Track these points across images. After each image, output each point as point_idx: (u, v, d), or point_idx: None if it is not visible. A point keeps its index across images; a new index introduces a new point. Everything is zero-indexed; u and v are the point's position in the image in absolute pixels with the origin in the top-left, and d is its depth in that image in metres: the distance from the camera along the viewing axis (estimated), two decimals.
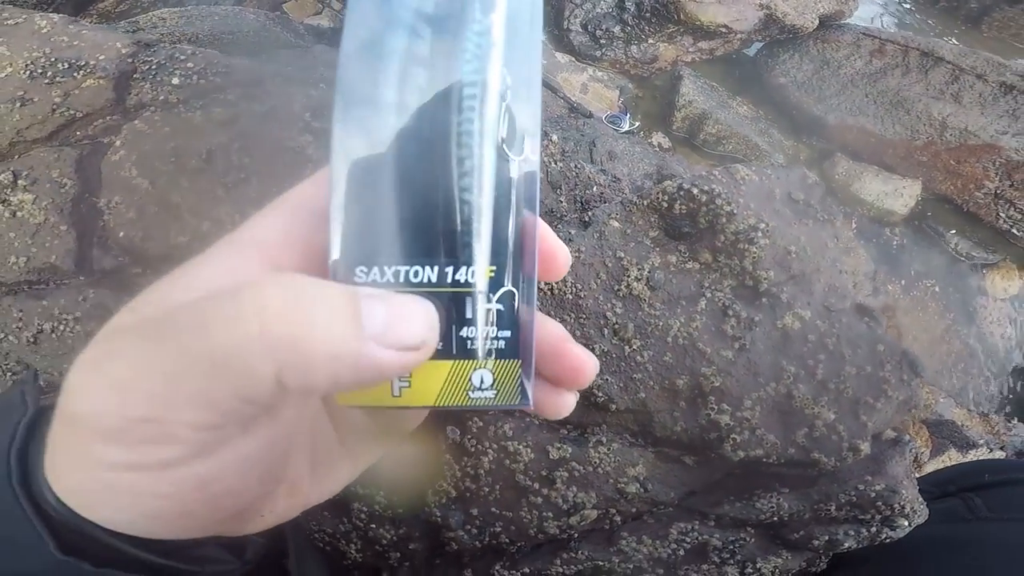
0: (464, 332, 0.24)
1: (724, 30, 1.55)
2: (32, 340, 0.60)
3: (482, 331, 0.24)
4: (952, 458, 1.05)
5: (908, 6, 1.96)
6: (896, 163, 1.41)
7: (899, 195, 1.38)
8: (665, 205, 0.49)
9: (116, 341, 0.22)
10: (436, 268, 0.23)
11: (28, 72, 0.63)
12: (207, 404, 0.20)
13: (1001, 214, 1.36)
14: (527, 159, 0.24)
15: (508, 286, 0.24)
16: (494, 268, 0.24)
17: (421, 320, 0.22)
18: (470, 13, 0.24)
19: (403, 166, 0.23)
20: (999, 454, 1.09)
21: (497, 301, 0.24)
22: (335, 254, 0.23)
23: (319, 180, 0.26)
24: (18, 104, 0.62)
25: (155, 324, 0.21)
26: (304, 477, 0.28)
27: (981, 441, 1.07)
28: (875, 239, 1.36)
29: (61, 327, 0.58)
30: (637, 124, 1.44)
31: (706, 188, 0.48)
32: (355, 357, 0.21)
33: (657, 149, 1.34)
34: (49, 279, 0.61)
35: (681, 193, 0.48)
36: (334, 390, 0.22)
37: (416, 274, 0.23)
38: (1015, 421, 1.18)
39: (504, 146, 0.24)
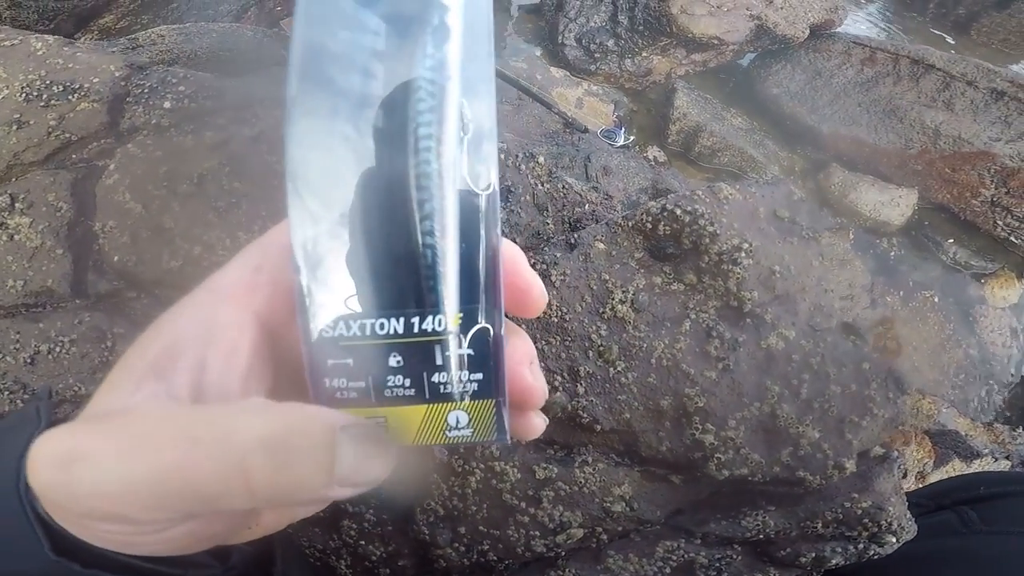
0: (436, 378, 0.24)
1: (716, 42, 1.56)
2: (29, 361, 0.60)
3: (455, 375, 0.24)
4: (956, 468, 1.04)
5: (894, 14, 1.97)
6: (891, 172, 1.42)
7: (895, 204, 1.38)
8: (650, 226, 0.49)
9: (84, 441, 0.23)
10: (403, 319, 0.23)
11: (24, 95, 0.64)
12: (184, 512, 0.23)
13: (999, 222, 1.35)
14: (491, 187, 0.24)
15: (482, 323, 0.24)
16: (462, 314, 0.23)
17: (381, 466, 0.24)
18: (422, 48, 0.23)
19: (364, 214, 0.23)
20: (1004, 463, 1.08)
21: (469, 345, 0.24)
22: (307, 300, 0.23)
23: (286, 227, 0.27)
24: (15, 127, 0.63)
25: (131, 439, 0.22)
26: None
27: (986, 451, 1.06)
28: (872, 250, 1.35)
29: (57, 349, 0.59)
30: (632, 138, 1.44)
31: (689, 208, 0.48)
32: (321, 499, 0.24)
33: (652, 163, 1.34)
34: (46, 302, 0.62)
35: (665, 214, 0.49)
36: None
37: (382, 327, 0.23)
38: (1020, 430, 1.17)
39: (468, 180, 0.24)
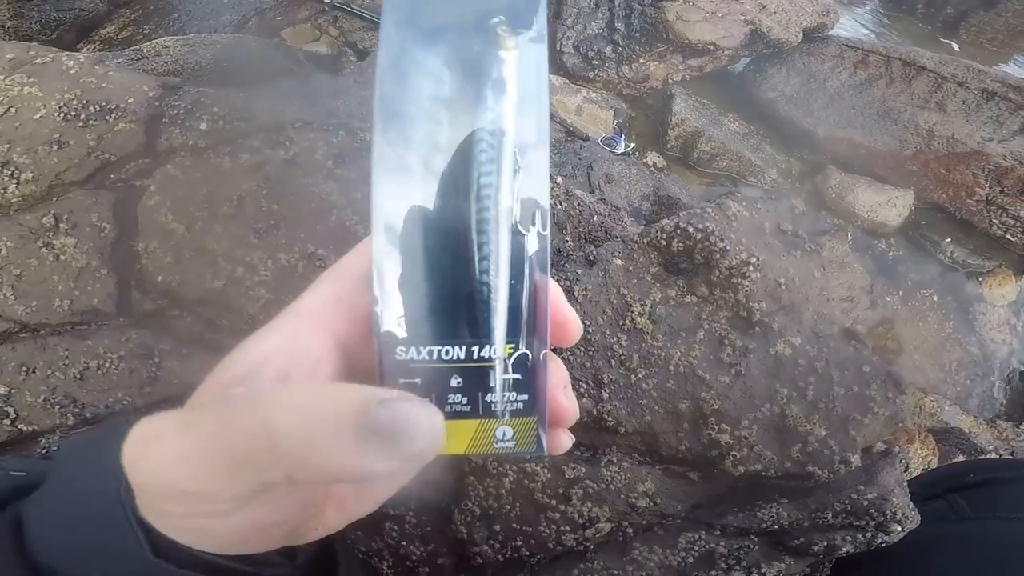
0: (488, 397, 0.28)
1: (712, 47, 1.59)
2: (78, 376, 0.63)
3: (502, 396, 0.28)
4: None
5: (884, 14, 2.00)
6: (887, 173, 1.45)
7: (892, 205, 1.42)
8: (664, 243, 0.53)
9: (161, 424, 0.26)
10: (464, 347, 0.27)
11: (62, 114, 0.65)
12: (235, 484, 0.24)
13: (994, 220, 1.38)
14: (538, 231, 0.28)
15: (526, 351, 0.28)
16: (512, 344, 0.27)
17: (422, 438, 0.25)
18: (483, 99, 0.27)
19: (432, 253, 0.27)
20: None
21: (515, 371, 0.28)
22: (382, 327, 0.27)
23: (360, 251, 0.30)
24: (55, 147, 0.65)
25: (190, 418, 0.26)
26: (349, 493, 0.32)
27: (990, 447, 1.09)
28: (870, 251, 1.38)
29: (107, 365, 0.62)
30: (632, 145, 1.47)
31: (700, 226, 0.52)
32: (355, 470, 0.23)
33: (652, 169, 1.37)
34: (91, 320, 0.65)
35: (678, 231, 0.53)
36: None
37: (447, 352, 0.27)
38: (1023, 426, 1.20)
39: (518, 225, 0.27)
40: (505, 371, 0.28)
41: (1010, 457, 1.11)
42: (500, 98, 0.27)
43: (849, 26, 1.91)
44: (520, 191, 0.28)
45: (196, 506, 0.25)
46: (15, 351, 0.65)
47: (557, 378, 0.29)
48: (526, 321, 0.28)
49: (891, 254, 1.40)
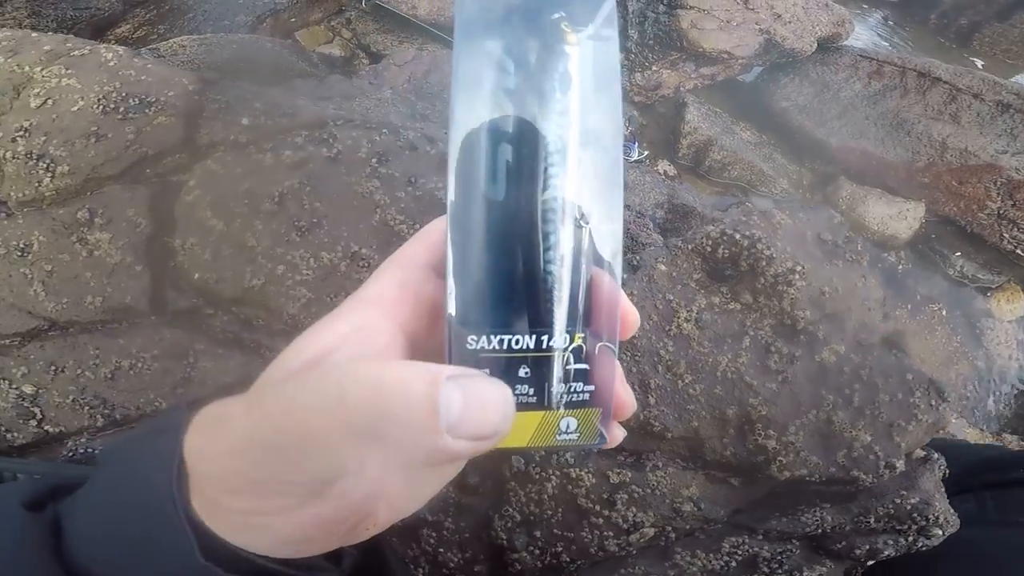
0: (556, 388, 0.27)
1: (726, 56, 1.60)
2: (109, 376, 0.62)
3: (571, 387, 0.28)
4: None
5: (895, 25, 2.02)
6: (899, 185, 1.46)
7: (903, 217, 1.43)
8: (709, 249, 0.53)
9: (227, 407, 0.25)
10: (534, 336, 0.27)
11: (101, 107, 0.63)
12: (307, 469, 0.24)
13: (1005, 235, 1.39)
14: (595, 225, 0.28)
15: (591, 343, 0.27)
16: (575, 335, 0.27)
17: (496, 411, 0.24)
18: (551, 92, 0.27)
19: (499, 241, 0.27)
20: None
21: (577, 362, 0.27)
22: (451, 312, 0.27)
23: (423, 239, 0.30)
24: (93, 140, 0.63)
25: (259, 397, 0.25)
26: (399, 491, 0.30)
27: None
28: (881, 264, 1.39)
29: (139, 364, 0.61)
30: (646, 152, 1.48)
31: (748, 233, 0.52)
32: (429, 448, 0.22)
33: (664, 177, 1.38)
34: (123, 319, 0.63)
35: (724, 238, 0.53)
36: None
37: (517, 342, 0.27)
38: None
39: (580, 217, 0.27)
40: (569, 362, 0.27)
41: None
42: (567, 91, 0.27)
43: (864, 36, 1.92)
44: (581, 187, 0.27)
45: (264, 500, 0.24)
46: (43, 349, 0.64)
47: (617, 372, 0.29)
48: (583, 313, 0.28)
49: (901, 267, 1.41)
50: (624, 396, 0.29)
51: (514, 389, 0.27)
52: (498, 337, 0.27)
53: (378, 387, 0.22)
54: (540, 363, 0.27)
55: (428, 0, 1.67)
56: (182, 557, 0.25)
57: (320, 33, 2.04)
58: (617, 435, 0.30)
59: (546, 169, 0.27)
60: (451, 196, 0.27)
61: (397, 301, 0.29)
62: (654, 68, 1.71)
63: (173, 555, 0.25)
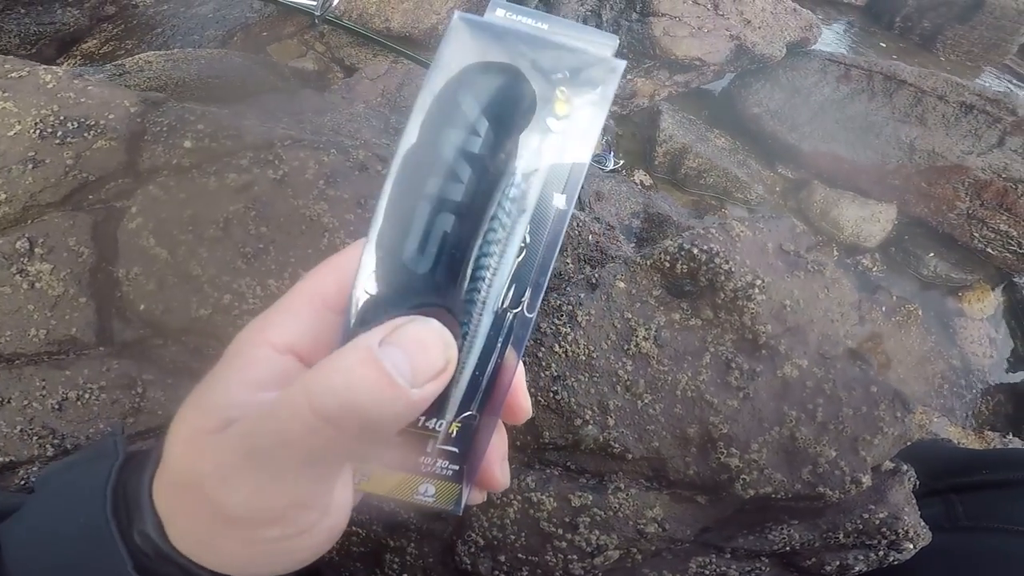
0: (422, 460, 0.28)
1: (698, 62, 1.61)
2: (57, 407, 0.60)
3: (436, 461, 0.28)
4: None
5: (860, 29, 2.04)
6: (870, 188, 1.47)
7: (876, 220, 1.43)
8: (667, 265, 0.52)
9: (223, 457, 0.25)
10: (422, 416, 0.27)
11: (38, 131, 0.61)
12: (323, 479, 0.25)
13: (975, 234, 1.40)
14: (522, 310, 0.27)
15: (473, 426, 0.27)
16: (459, 421, 0.27)
17: (436, 345, 0.24)
18: (509, 176, 0.26)
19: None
20: None
21: (455, 444, 0.28)
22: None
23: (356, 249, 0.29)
24: (30, 166, 0.61)
25: (243, 441, 0.24)
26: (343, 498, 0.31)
27: None
28: (855, 267, 1.40)
29: (87, 395, 0.59)
30: (622, 162, 1.48)
31: (705, 248, 0.51)
32: (403, 412, 0.23)
33: (640, 187, 1.37)
34: (69, 350, 0.62)
35: (682, 253, 0.52)
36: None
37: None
38: (1010, 436, 1.21)
39: (504, 307, 0.26)
40: (448, 443, 0.28)
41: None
42: (529, 177, 0.26)
43: (831, 40, 1.94)
44: (521, 267, 0.26)
45: (285, 525, 0.25)
46: None
47: (499, 452, 0.30)
48: (483, 398, 0.27)
49: (875, 269, 1.41)
50: (498, 477, 0.30)
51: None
52: None
53: (339, 380, 0.23)
54: (414, 436, 0.27)
55: (401, 14, 1.66)
56: (114, 572, 0.25)
57: (293, 47, 2.02)
58: (475, 499, 0.31)
59: (479, 259, 0.26)
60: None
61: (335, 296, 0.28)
62: (628, 76, 1.71)
63: (105, 573, 0.26)
